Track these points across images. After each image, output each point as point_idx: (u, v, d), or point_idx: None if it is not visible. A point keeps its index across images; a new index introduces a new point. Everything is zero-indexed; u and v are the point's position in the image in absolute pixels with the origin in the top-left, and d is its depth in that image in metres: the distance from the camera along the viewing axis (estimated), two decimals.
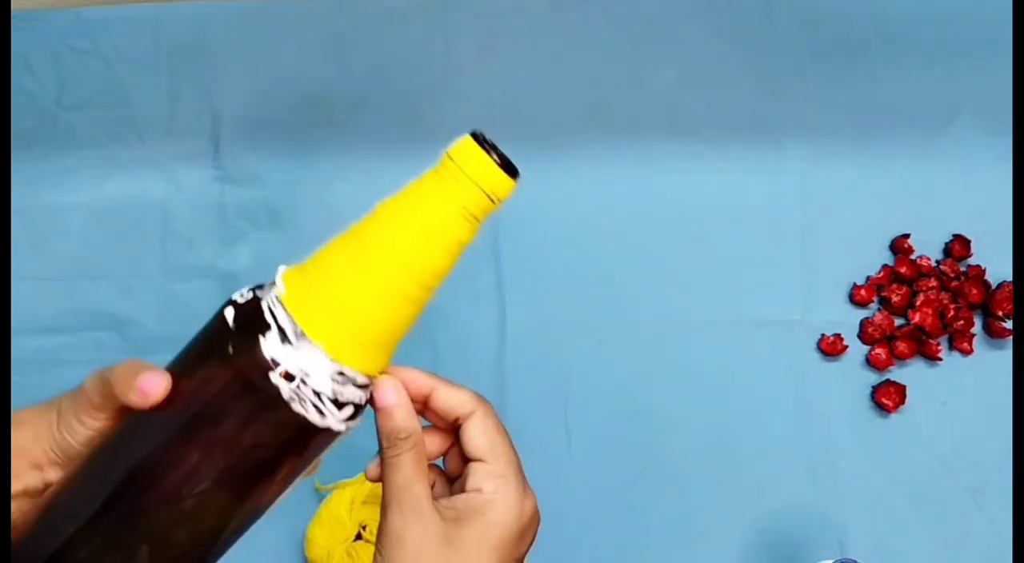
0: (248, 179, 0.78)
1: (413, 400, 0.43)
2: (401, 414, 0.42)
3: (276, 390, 0.39)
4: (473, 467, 0.43)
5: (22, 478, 0.42)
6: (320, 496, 0.72)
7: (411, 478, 0.42)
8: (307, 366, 0.39)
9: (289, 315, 0.40)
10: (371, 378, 0.42)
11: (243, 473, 0.40)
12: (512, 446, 0.44)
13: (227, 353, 0.40)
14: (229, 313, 0.41)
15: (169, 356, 0.44)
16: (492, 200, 0.41)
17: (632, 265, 0.76)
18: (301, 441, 0.41)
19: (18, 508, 0.43)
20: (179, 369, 0.42)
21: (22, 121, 0.77)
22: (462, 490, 0.43)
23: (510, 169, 0.40)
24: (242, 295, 0.42)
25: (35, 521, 0.42)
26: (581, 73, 0.78)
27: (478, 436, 0.43)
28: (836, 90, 0.77)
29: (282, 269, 0.42)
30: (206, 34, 0.78)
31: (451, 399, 0.43)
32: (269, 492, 0.42)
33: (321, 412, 0.40)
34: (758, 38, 0.78)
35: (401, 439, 0.42)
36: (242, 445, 0.40)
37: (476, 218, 0.41)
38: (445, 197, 0.40)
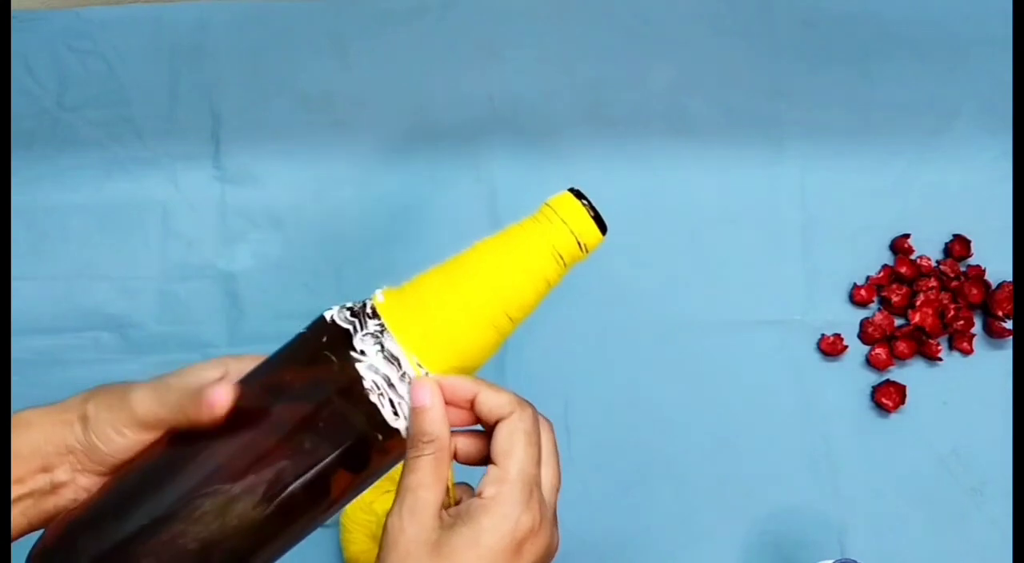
0: (248, 179, 0.78)
1: (459, 405, 0.43)
2: (430, 417, 0.42)
3: (363, 395, 0.41)
4: (487, 470, 0.42)
5: (29, 481, 0.42)
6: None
7: (423, 482, 0.41)
8: (394, 374, 0.41)
9: (383, 325, 0.42)
10: None
11: (318, 483, 0.41)
12: (536, 458, 0.42)
13: (316, 359, 0.41)
14: (325, 321, 0.43)
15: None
16: (582, 248, 0.44)
17: (632, 265, 0.76)
18: (376, 450, 0.42)
19: (21, 511, 0.42)
20: (265, 376, 0.43)
21: (22, 121, 0.77)
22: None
23: (600, 223, 0.44)
24: (333, 310, 0.43)
25: (70, 523, 0.42)
26: (581, 73, 0.78)
27: (502, 438, 0.42)
28: (836, 90, 0.77)
29: (379, 290, 0.44)
30: (206, 34, 0.78)
31: (492, 401, 0.43)
32: (333, 504, 0.42)
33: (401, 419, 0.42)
34: (758, 38, 0.78)
35: (424, 442, 0.42)
36: (322, 453, 0.41)
37: (566, 263, 0.44)
38: (542, 239, 0.43)
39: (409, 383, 0.42)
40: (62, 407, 0.43)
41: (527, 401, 0.44)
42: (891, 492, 0.73)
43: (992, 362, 0.75)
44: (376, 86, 0.78)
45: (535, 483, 0.42)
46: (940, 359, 0.74)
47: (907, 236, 0.76)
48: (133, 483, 0.42)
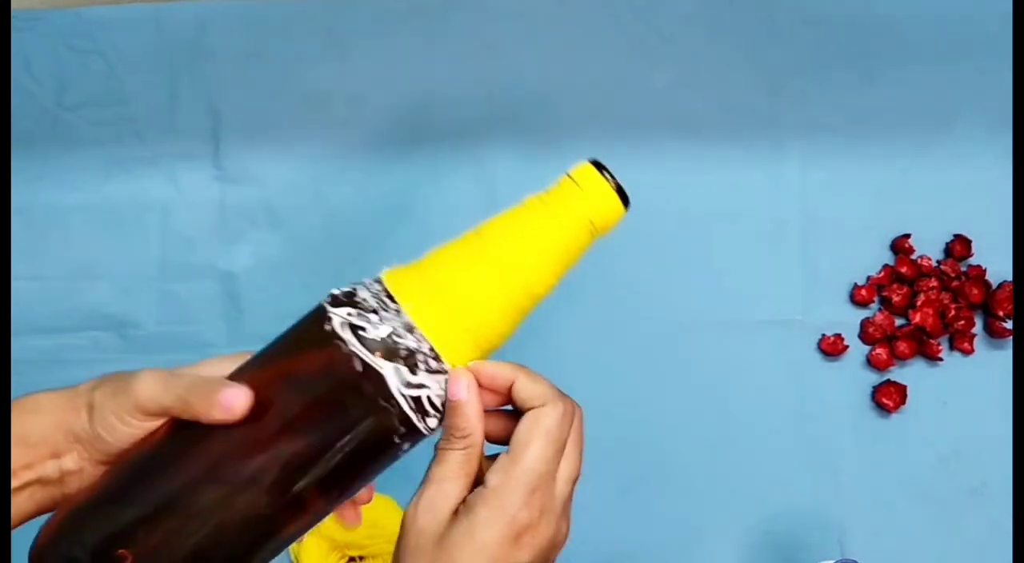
0: (248, 179, 0.78)
1: (496, 391, 0.42)
2: (465, 412, 0.41)
3: (378, 377, 0.39)
4: (500, 456, 0.42)
5: (38, 467, 0.41)
6: None
7: (447, 476, 0.41)
8: (410, 356, 0.39)
9: (397, 305, 0.40)
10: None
11: (330, 474, 0.40)
12: (550, 456, 0.42)
13: (325, 344, 0.40)
14: (330, 307, 0.41)
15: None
16: (605, 223, 0.42)
17: (632, 265, 0.76)
18: (391, 434, 0.40)
19: (29, 495, 0.42)
20: (267, 365, 0.41)
21: (22, 121, 0.77)
22: None
23: (623, 196, 0.42)
24: (339, 290, 0.42)
25: (82, 508, 0.41)
26: (581, 73, 0.78)
27: (523, 429, 0.41)
28: (836, 90, 0.77)
29: (385, 269, 0.42)
30: (206, 34, 0.78)
31: (527, 391, 0.42)
32: (343, 493, 0.42)
33: (419, 404, 0.40)
34: (758, 38, 0.78)
35: (456, 437, 0.41)
36: (333, 441, 0.39)
37: (590, 237, 0.42)
38: (563, 214, 0.42)
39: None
40: (72, 393, 0.42)
41: (563, 394, 0.43)
42: (891, 492, 0.73)
43: (992, 362, 0.75)
44: (376, 86, 0.78)
45: (542, 481, 0.41)
46: (941, 359, 0.74)
47: (908, 236, 0.76)
48: (135, 470, 0.41)
